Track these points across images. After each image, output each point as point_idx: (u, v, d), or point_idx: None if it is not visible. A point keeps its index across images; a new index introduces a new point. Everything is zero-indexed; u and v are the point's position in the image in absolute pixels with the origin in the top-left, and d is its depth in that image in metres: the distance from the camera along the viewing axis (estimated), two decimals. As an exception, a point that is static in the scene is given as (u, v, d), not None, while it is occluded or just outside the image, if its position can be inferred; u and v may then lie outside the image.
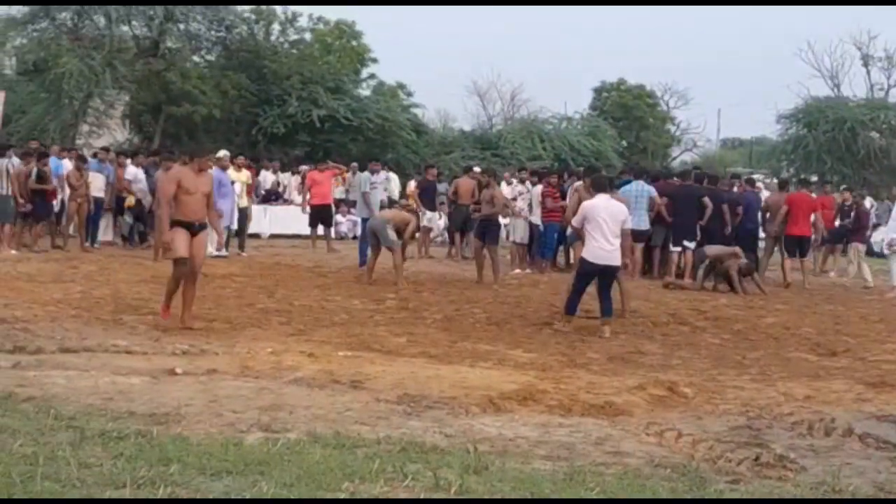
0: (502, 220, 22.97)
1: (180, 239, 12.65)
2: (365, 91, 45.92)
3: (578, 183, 19.60)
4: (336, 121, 39.12)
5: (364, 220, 22.49)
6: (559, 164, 39.36)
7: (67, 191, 22.41)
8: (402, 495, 6.10)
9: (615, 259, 14.09)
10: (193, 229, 12.73)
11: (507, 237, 24.17)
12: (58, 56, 34.30)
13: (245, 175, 24.09)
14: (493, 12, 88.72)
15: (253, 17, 41.21)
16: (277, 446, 6.97)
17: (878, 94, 52.22)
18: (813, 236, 22.94)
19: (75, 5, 36.23)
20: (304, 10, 43.24)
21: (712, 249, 19.91)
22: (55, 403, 7.92)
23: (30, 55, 36.71)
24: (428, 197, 26.60)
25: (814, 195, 25.12)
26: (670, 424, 8.35)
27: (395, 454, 6.91)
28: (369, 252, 19.48)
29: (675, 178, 23.63)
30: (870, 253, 27.05)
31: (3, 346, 10.45)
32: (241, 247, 23.02)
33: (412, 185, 33.65)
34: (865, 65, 53.07)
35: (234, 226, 22.94)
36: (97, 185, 22.92)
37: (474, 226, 21.75)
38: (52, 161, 22.90)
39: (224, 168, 22.14)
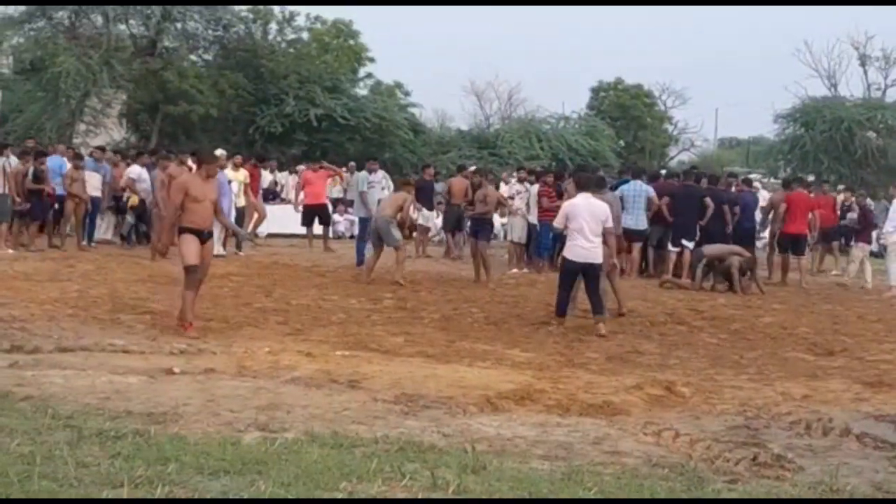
0: (499, 220, 22.97)
1: (192, 247, 12.52)
2: (362, 90, 45.98)
3: (569, 181, 19.64)
4: (333, 120, 39.10)
5: (362, 220, 22.49)
6: (557, 163, 39.37)
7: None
8: (400, 495, 6.10)
9: (596, 257, 14.15)
10: (203, 237, 12.65)
11: (505, 236, 24.17)
12: (55, 55, 34.27)
13: (243, 174, 24.06)
14: (490, 12, 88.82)
15: (250, 16, 41.19)
16: (275, 446, 6.96)
17: (875, 94, 52.28)
18: (809, 235, 23.05)
19: (72, 5, 36.17)
20: (302, 9, 43.27)
21: (710, 249, 19.92)
22: (52, 403, 7.91)
23: (27, 54, 36.71)
24: (425, 196, 26.57)
25: (812, 194, 25.19)
26: (668, 424, 8.35)
27: (393, 454, 6.91)
28: (368, 251, 19.45)
29: (677, 178, 23.64)
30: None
31: (0, 346, 10.43)
32: (239, 246, 22.99)
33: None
34: (862, 65, 53.13)
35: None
36: (93, 184, 22.88)
37: (468, 225, 21.77)
38: (56, 160, 22.89)
39: (221, 167, 22.09)
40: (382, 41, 65.15)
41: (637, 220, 20.39)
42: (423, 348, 12.00)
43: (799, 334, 14.48)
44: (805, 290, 20.60)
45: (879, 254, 24.10)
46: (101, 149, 26.31)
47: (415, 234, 26.17)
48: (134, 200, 23.39)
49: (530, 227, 22.06)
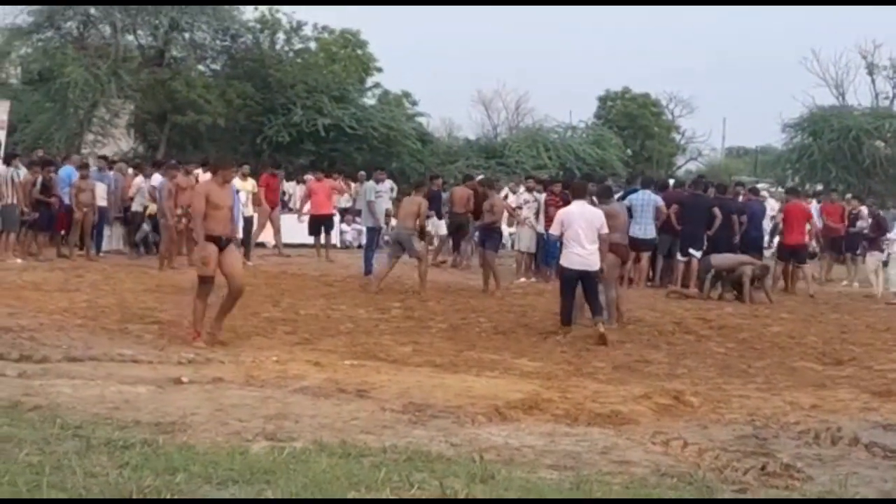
0: (507, 229, 22.98)
1: (210, 256, 12.52)
2: (370, 100, 45.95)
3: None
4: (341, 130, 39.10)
5: (369, 229, 22.54)
6: (564, 172, 39.35)
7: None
8: (409, 505, 6.10)
9: (592, 263, 14.28)
10: (221, 244, 12.60)
11: (513, 246, 24.16)
12: (63, 65, 34.33)
13: (251, 184, 24.09)
14: (498, 21, 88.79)
15: (258, 26, 41.21)
16: (283, 455, 6.96)
17: (882, 103, 52.21)
18: (812, 243, 23.18)
19: (83, 5, 36.22)
20: (310, 18, 43.25)
21: (719, 259, 19.91)
22: (61, 412, 7.91)
23: (35, 64, 36.79)
24: (434, 206, 26.58)
25: (817, 203, 25.27)
26: (676, 433, 8.33)
27: (401, 463, 6.90)
28: (376, 261, 19.46)
29: (684, 187, 23.67)
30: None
31: (9, 355, 10.44)
32: (247, 256, 22.99)
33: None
34: (870, 73, 53.05)
35: (240, 235, 22.92)
36: (99, 193, 22.91)
37: (473, 234, 21.86)
38: (68, 170, 22.93)
39: (229, 177, 22.12)
40: (390, 51, 65.05)
41: (645, 229, 20.37)
42: (431, 358, 12.00)
43: (807, 344, 14.46)
44: (812, 299, 20.57)
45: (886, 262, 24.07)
46: (105, 158, 26.39)
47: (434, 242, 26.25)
48: (152, 209, 23.36)
49: (539, 236, 22.05)
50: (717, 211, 21.33)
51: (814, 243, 25.76)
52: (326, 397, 9.23)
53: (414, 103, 49.55)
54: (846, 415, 9.58)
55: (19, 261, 20.19)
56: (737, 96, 79.47)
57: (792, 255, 22.12)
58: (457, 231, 24.85)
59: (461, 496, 6.20)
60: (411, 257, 19.04)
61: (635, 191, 21.51)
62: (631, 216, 18.55)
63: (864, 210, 26.57)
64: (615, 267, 15.91)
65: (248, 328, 13.46)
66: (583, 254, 14.21)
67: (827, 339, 15.01)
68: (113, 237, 24.50)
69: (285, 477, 6.38)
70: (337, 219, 30.40)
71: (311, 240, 26.21)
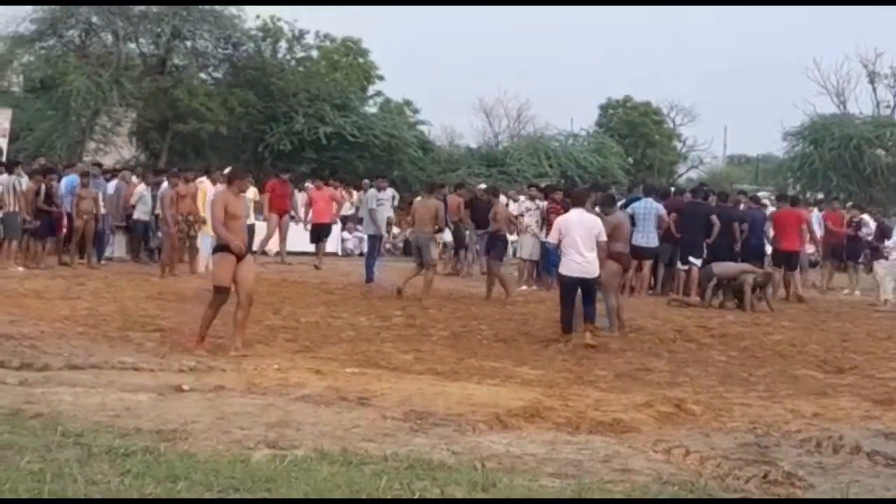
0: (509, 237, 23.00)
1: (228, 268, 12.43)
2: (371, 108, 45.98)
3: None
4: (342, 138, 39.11)
5: (371, 237, 22.58)
6: (565, 181, 39.35)
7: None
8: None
9: (591, 271, 14.37)
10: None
11: (514, 254, 24.17)
12: (65, 73, 34.35)
13: (252, 192, 24.12)
14: (499, 29, 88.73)
15: (260, 34, 41.28)
16: (284, 463, 6.96)
17: (884, 112, 52.23)
18: (811, 250, 23.29)
19: (88, 5, 36.26)
20: (312, 27, 43.29)
21: (721, 267, 19.91)
22: (62, 420, 7.91)
23: (37, 72, 36.82)
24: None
25: (818, 211, 25.36)
26: (678, 442, 8.33)
27: (403, 471, 6.90)
28: (377, 268, 19.46)
29: (688, 195, 23.67)
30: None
31: (10, 363, 10.44)
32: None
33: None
34: (871, 82, 53.07)
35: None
36: None
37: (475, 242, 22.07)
38: (73, 178, 22.93)
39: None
40: (392, 59, 65.05)
41: (648, 237, 20.39)
42: (432, 366, 11.99)
43: (808, 352, 14.45)
44: (801, 302, 20.62)
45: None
46: (99, 165, 26.41)
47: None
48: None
49: (541, 244, 22.06)
50: (715, 219, 21.37)
51: (814, 251, 25.81)
52: (328, 405, 9.23)
53: (415, 111, 49.63)
54: (848, 423, 9.57)
55: (21, 269, 20.21)
56: (738, 105, 79.42)
57: (785, 261, 22.18)
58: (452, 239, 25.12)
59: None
60: (423, 261, 19.06)
61: (637, 199, 21.52)
62: (633, 224, 18.54)
63: (867, 218, 26.58)
64: (617, 275, 15.94)
65: (250, 336, 13.42)
66: (581, 261, 14.27)
67: (828, 347, 15.00)
68: (115, 245, 24.51)
69: (287, 485, 6.39)
70: (338, 227, 30.49)
71: (312, 247, 26.27)
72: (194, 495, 6.11)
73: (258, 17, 41.06)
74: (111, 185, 24.42)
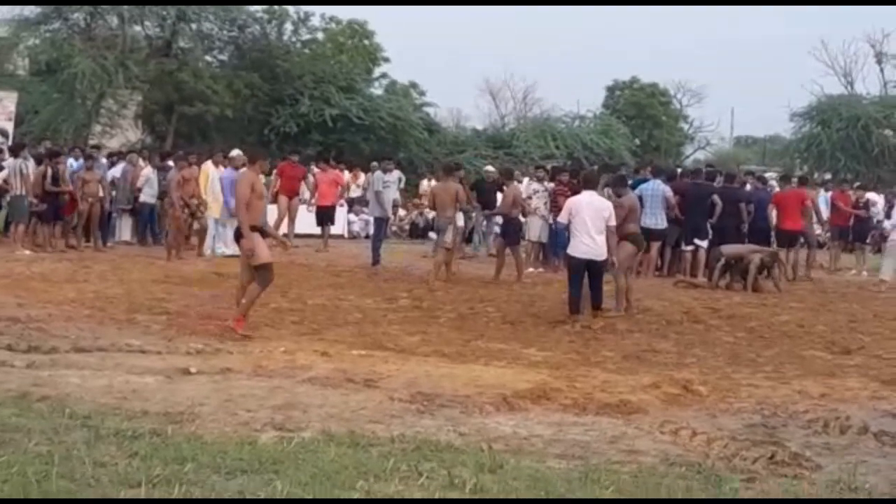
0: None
1: (263, 245, 12.52)
2: (377, 90, 45.94)
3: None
4: (348, 120, 39.11)
5: (377, 219, 22.58)
6: (572, 162, 39.29)
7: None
8: (417, 494, 6.11)
9: (598, 254, 14.40)
10: (263, 233, 12.66)
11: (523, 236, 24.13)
12: (70, 56, 34.37)
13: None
14: (505, 11, 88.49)
15: (265, 16, 41.21)
16: (292, 445, 6.98)
17: (891, 92, 52.20)
18: (819, 231, 23.38)
19: (88, 5, 36.26)
20: (317, 9, 43.30)
21: (729, 249, 19.87)
22: (70, 403, 7.94)
23: (42, 55, 36.82)
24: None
25: (824, 192, 25.38)
26: (685, 423, 8.33)
27: (410, 453, 6.91)
28: (384, 251, 19.44)
29: (687, 178, 23.57)
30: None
31: (17, 346, 10.47)
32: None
33: (424, 184, 33.70)
34: (879, 62, 53.03)
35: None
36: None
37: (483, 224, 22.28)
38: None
39: (237, 168, 22.17)
40: (397, 41, 65.00)
41: (657, 219, 20.33)
42: (439, 347, 12.00)
43: (816, 332, 14.42)
44: (821, 289, 20.56)
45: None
46: (97, 147, 26.44)
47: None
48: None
49: (549, 226, 22.06)
50: (716, 198, 21.36)
51: (821, 231, 25.79)
52: (334, 387, 9.24)
53: (421, 93, 49.54)
54: (855, 403, 9.57)
55: (27, 252, 20.19)
56: (745, 86, 79.22)
57: (788, 240, 22.19)
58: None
59: (469, 486, 6.21)
60: (439, 245, 19.10)
61: (645, 180, 21.47)
62: (641, 206, 18.49)
63: (874, 197, 26.51)
64: (632, 256, 16.15)
65: (256, 319, 13.42)
66: (589, 243, 14.30)
67: (836, 328, 14.97)
68: (121, 228, 24.53)
69: (294, 467, 6.40)
70: (344, 209, 30.50)
71: (319, 230, 26.26)
72: (202, 477, 6.13)
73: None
74: (117, 169, 24.43)
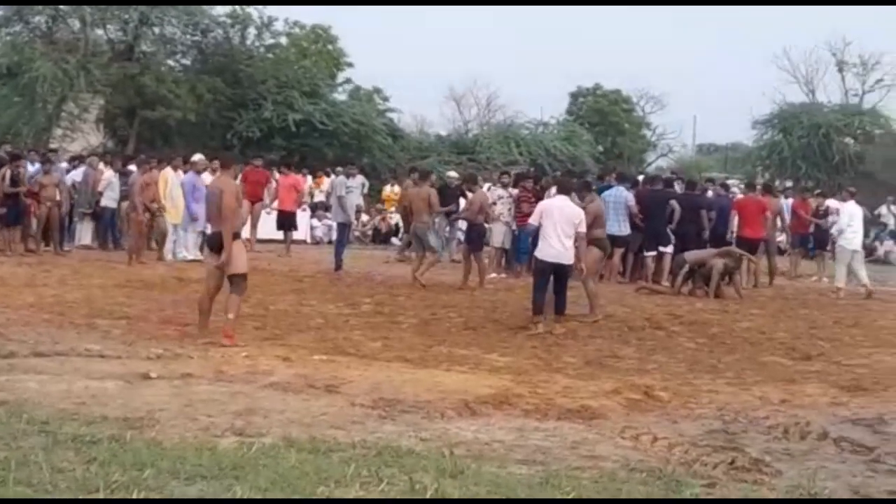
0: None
1: (244, 254, 12.54)
2: (341, 95, 45.86)
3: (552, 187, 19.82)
4: (312, 125, 39.03)
5: (340, 225, 22.54)
6: (535, 169, 39.34)
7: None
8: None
9: (565, 258, 14.44)
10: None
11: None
12: (31, 60, 34.11)
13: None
14: (470, 17, 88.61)
15: (228, 21, 41.04)
16: (252, 451, 6.93)
17: (852, 100, 52.52)
18: (781, 238, 23.72)
19: (50, 5, 36.02)
20: (281, 13, 43.12)
21: (692, 255, 19.95)
22: (27, 408, 7.86)
23: (3, 59, 36.43)
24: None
25: (784, 198, 25.52)
26: (646, 428, 8.35)
27: (371, 458, 6.88)
28: (346, 256, 19.41)
29: (643, 185, 23.64)
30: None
31: (-25, 351, 10.38)
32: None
33: (387, 189, 33.71)
34: (840, 71, 53.36)
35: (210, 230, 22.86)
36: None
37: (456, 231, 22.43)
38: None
39: (199, 172, 22.11)
40: (361, 46, 64.83)
41: (620, 226, 20.40)
42: (401, 353, 11.98)
43: (776, 339, 14.50)
44: (782, 295, 20.67)
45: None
46: (54, 150, 26.30)
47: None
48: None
49: (511, 232, 22.11)
50: (674, 204, 21.45)
51: (783, 239, 25.95)
52: (296, 392, 9.21)
53: (385, 99, 49.45)
54: (815, 409, 9.62)
55: (-13, 256, 20.03)
56: (707, 93, 79.59)
57: (747, 247, 22.26)
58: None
59: (430, 491, 6.20)
60: (427, 251, 19.21)
61: (609, 187, 21.54)
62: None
63: (834, 205, 26.61)
64: (599, 261, 16.42)
65: (218, 323, 13.36)
66: (558, 247, 14.34)
67: (796, 334, 15.06)
68: (82, 232, 24.38)
69: (254, 472, 6.36)
70: (307, 215, 30.46)
71: (281, 235, 26.23)
72: (161, 483, 6.08)
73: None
74: (78, 172, 24.28)
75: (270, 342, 12.33)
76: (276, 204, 26.45)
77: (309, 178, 34.44)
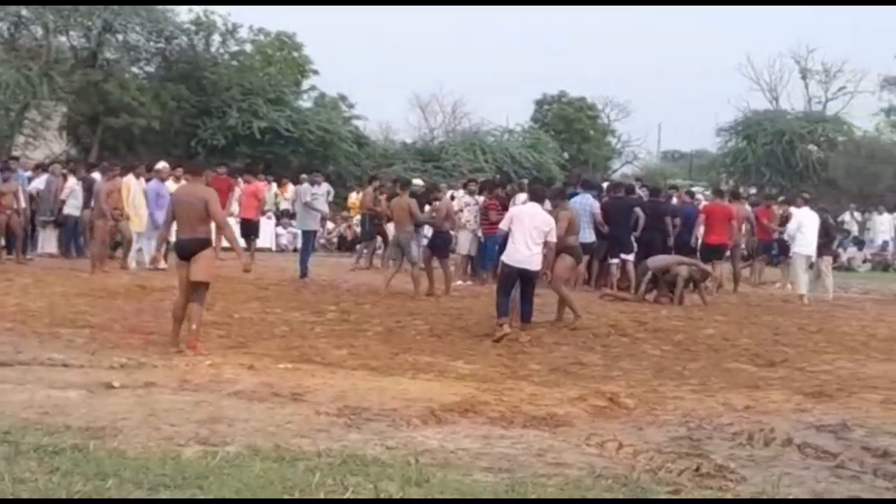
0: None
1: (214, 263, 12.61)
2: (306, 103, 45.87)
3: (518, 194, 19.86)
4: (277, 133, 39.02)
5: (305, 233, 22.48)
6: (501, 176, 39.38)
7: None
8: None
9: (532, 264, 14.46)
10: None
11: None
12: (-7, 67, 33.94)
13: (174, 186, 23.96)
14: (435, 25, 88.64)
15: (193, 28, 40.92)
16: (216, 460, 6.89)
17: (815, 108, 52.98)
18: (742, 244, 24.07)
19: (14, 4, 35.81)
20: (245, 21, 43.05)
21: (655, 262, 19.98)
22: (-11, 418, 7.79)
23: (-36, 66, 36.31)
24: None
25: (749, 207, 25.61)
26: (611, 435, 8.35)
27: (336, 467, 6.86)
28: (311, 264, 19.35)
29: (606, 193, 23.68)
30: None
31: (-64, 360, 10.28)
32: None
33: (353, 196, 33.68)
34: (804, 78, 53.79)
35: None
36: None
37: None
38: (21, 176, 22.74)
39: (163, 180, 21.99)
40: (327, 54, 64.76)
41: (585, 233, 20.40)
42: (366, 361, 11.95)
43: (741, 345, 14.55)
44: (746, 302, 20.75)
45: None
46: (15, 158, 26.15)
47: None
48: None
49: (478, 239, 22.14)
50: (638, 211, 21.50)
51: (746, 244, 26.07)
52: (260, 401, 9.17)
53: (350, 106, 49.43)
54: (779, 416, 9.65)
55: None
56: (672, 101, 79.91)
57: (713, 254, 22.33)
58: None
59: (395, 499, 6.18)
60: (410, 262, 19.27)
61: (575, 194, 21.55)
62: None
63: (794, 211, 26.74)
64: (572, 269, 16.56)
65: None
66: (525, 252, 14.37)
67: (760, 340, 15.11)
68: (45, 240, 24.22)
69: (218, 482, 6.33)
70: (272, 222, 30.41)
71: (243, 243, 26.15)
72: (124, 493, 6.04)
73: (191, 10, 40.73)
74: (41, 180, 24.12)
75: (235, 350, 12.27)
76: (238, 211, 26.37)
77: (274, 185, 34.40)
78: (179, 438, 7.55)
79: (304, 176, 27.52)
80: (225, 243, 24.74)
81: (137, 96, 36.61)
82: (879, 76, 51.70)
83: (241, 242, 22.22)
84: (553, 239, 14.63)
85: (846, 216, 37.67)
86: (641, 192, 23.60)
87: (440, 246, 20.13)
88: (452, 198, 24.18)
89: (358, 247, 26.54)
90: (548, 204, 16.50)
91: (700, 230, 22.75)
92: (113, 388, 9.45)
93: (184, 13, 40.25)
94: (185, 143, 38.76)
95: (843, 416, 9.66)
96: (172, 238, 14.26)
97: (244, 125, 38.71)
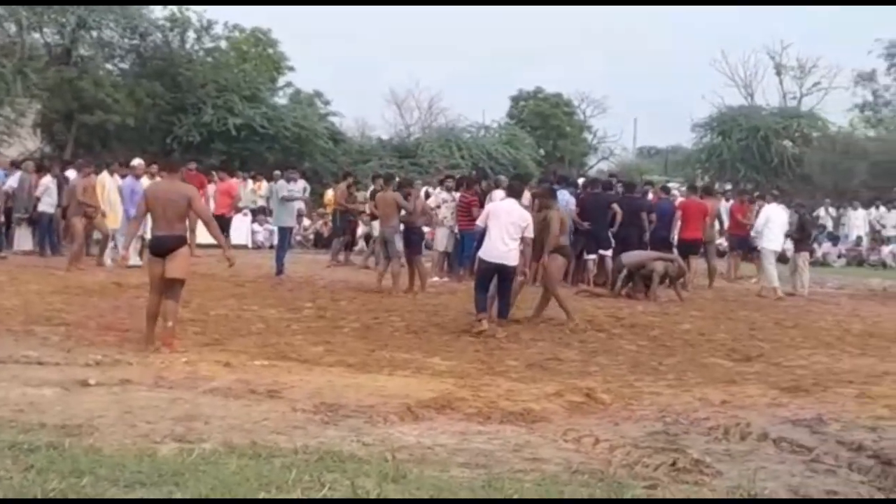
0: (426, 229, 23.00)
1: (189, 260, 12.56)
2: (281, 99, 45.75)
3: (496, 190, 19.87)
4: (252, 129, 38.87)
5: (281, 229, 22.43)
6: (477, 172, 39.37)
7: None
8: (320, 506, 6.05)
9: (509, 259, 14.52)
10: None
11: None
12: (-34, 64, 33.71)
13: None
14: (410, 21, 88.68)
15: (167, 24, 40.72)
16: (192, 457, 6.88)
17: (790, 103, 53.07)
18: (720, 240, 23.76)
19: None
20: (220, 17, 42.83)
21: (630, 257, 20.03)
22: (-37, 416, 7.75)
23: (-63, 63, 36.08)
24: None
25: (725, 202, 25.68)
26: (588, 430, 8.36)
27: (313, 464, 6.85)
28: (287, 261, 19.32)
29: (583, 189, 23.71)
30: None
31: None
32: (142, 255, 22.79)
33: (329, 193, 33.64)
34: (778, 74, 53.91)
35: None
36: None
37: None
38: None
39: (138, 177, 21.92)
40: (302, 50, 64.65)
41: (562, 229, 20.47)
42: (343, 357, 11.94)
43: (717, 340, 14.61)
44: (723, 298, 20.81)
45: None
46: None
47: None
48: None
49: (454, 236, 22.16)
50: (616, 207, 21.55)
51: (723, 241, 26.17)
52: (237, 398, 9.15)
53: (326, 103, 49.32)
54: (755, 410, 9.69)
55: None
56: (648, 97, 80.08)
57: (688, 249, 22.41)
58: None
59: (373, 496, 6.17)
60: (390, 255, 19.23)
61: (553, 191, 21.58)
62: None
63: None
64: (562, 268, 16.60)
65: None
66: (501, 248, 14.45)
67: (736, 335, 15.18)
68: (20, 238, 24.13)
69: (194, 479, 6.31)
70: (248, 219, 30.38)
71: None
72: (99, 491, 6.01)
73: (165, 7, 40.53)
74: (14, 178, 24.03)
75: (211, 347, 12.25)
76: (212, 208, 26.33)
77: (250, 182, 34.33)
78: (155, 436, 7.53)
79: (277, 172, 27.47)
80: (199, 240, 24.94)
81: (112, 93, 36.40)
82: (853, 72, 51.95)
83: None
84: (530, 234, 14.66)
85: (821, 212, 37.87)
86: (617, 188, 23.65)
87: (413, 242, 20.12)
88: (427, 195, 24.20)
89: (334, 243, 26.47)
90: (525, 200, 16.53)
91: (677, 226, 22.81)
92: (88, 385, 9.42)
93: (158, 10, 40.10)
94: (160, 139, 38.57)
95: (819, 410, 9.70)
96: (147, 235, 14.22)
97: (219, 122, 38.55)
